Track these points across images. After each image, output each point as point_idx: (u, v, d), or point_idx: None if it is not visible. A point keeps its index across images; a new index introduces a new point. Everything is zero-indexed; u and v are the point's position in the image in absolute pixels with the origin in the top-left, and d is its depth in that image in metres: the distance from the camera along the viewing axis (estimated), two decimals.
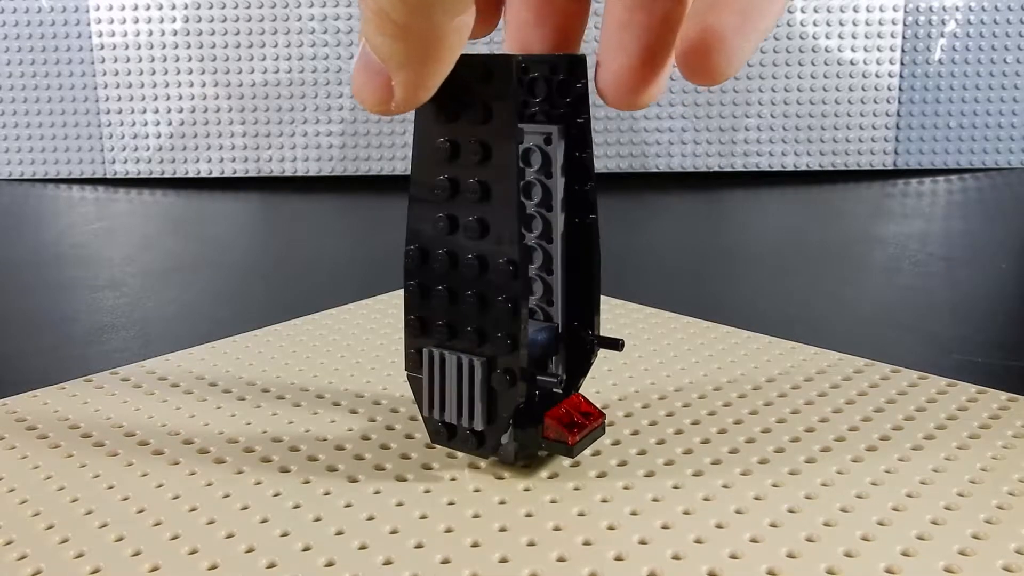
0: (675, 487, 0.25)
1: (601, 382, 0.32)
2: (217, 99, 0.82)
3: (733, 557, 0.21)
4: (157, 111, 0.82)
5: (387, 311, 0.41)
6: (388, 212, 0.74)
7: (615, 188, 0.78)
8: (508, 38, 0.23)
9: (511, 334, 0.23)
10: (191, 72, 0.81)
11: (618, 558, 0.21)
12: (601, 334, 0.26)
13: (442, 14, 0.17)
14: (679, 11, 0.20)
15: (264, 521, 0.23)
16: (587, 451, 0.27)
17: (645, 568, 0.21)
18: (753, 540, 0.22)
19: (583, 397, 0.26)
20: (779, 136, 0.82)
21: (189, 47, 0.81)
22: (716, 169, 0.83)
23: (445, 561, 0.21)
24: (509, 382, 0.23)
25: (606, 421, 0.26)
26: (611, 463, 0.26)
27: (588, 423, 0.25)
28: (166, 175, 0.83)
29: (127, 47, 0.81)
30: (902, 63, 0.82)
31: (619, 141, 0.82)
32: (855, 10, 0.80)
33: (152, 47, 0.81)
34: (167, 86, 0.82)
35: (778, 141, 0.82)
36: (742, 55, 0.19)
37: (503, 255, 0.23)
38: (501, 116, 0.22)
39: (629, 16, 0.20)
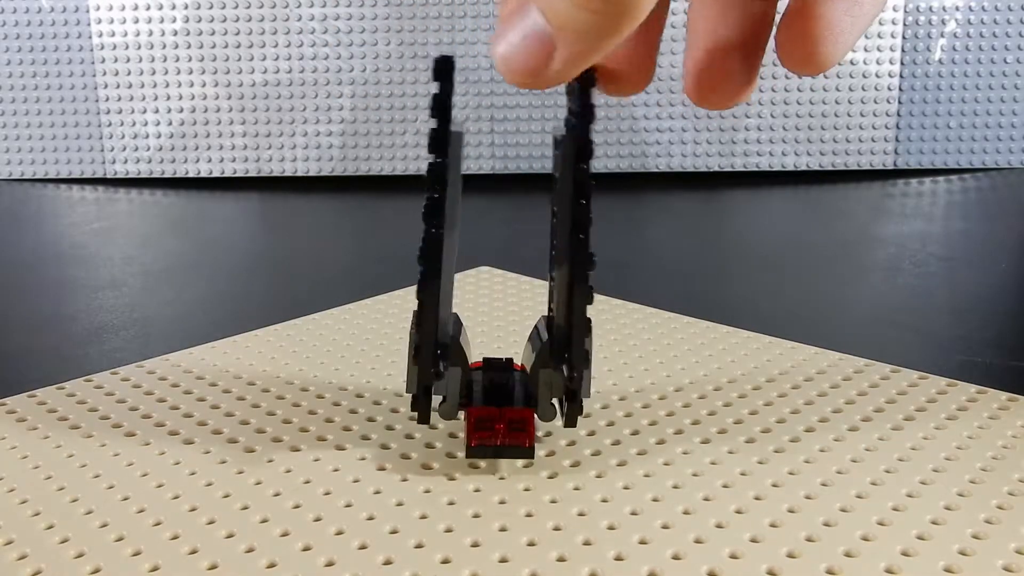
0: (675, 487, 0.25)
1: (601, 382, 0.32)
2: (217, 99, 0.82)
3: (733, 557, 0.21)
4: (157, 111, 0.82)
5: (387, 311, 0.41)
6: (388, 212, 0.74)
7: (615, 188, 0.78)
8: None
9: (417, 313, 0.24)
10: (191, 72, 0.81)
11: (618, 558, 0.21)
12: (575, 372, 0.24)
13: None
14: (771, 9, 0.20)
15: (264, 521, 0.23)
16: (587, 450, 0.27)
17: (645, 568, 0.21)
18: (753, 540, 0.22)
19: (533, 416, 0.26)
20: (779, 136, 0.82)
21: (189, 47, 0.81)
22: (716, 169, 0.83)
23: (445, 561, 0.21)
24: (413, 358, 0.25)
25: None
26: (611, 463, 0.26)
27: (504, 437, 0.25)
28: (166, 175, 0.83)
29: (127, 47, 0.81)
30: (902, 63, 0.82)
31: (619, 141, 0.82)
32: None
33: (152, 47, 0.81)
34: (167, 86, 0.82)
35: (778, 141, 0.82)
36: (847, 44, 0.18)
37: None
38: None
39: (725, 15, 0.20)
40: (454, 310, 0.26)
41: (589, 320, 0.24)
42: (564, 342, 0.25)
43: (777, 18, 0.20)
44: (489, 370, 0.27)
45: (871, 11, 0.19)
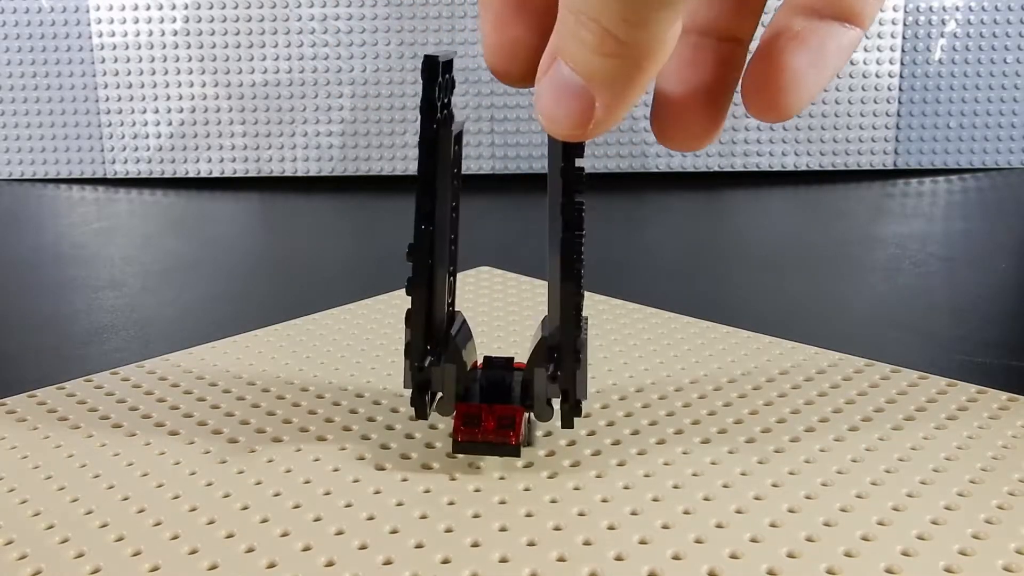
0: (675, 487, 0.25)
1: (601, 382, 0.32)
2: (217, 99, 0.82)
3: (733, 557, 0.21)
4: (157, 111, 0.82)
5: (387, 311, 0.41)
6: (388, 212, 0.74)
7: (615, 188, 0.78)
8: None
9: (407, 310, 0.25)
10: (191, 72, 0.81)
11: (618, 558, 0.21)
12: (561, 371, 0.24)
13: (663, 23, 0.16)
14: (742, 53, 0.20)
15: (264, 521, 0.23)
16: (587, 450, 0.27)
17: (645, 568, 0.21)
18: (753, 540, 0.22)
19: (525, 417, 0.26)
20: (779, 136, 0.82)
21: (189, 47, 0.81)
22: (716, 169, 0.83)
23: (445, 561, 0.21)
24: (405, 353, 0.25)
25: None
26: (611, 463, 0.26)
27: (489, 434, 0.25)
28: (166, 175, 0.83)
29: (127, 47, 0.81)
30: (902, 63, 0.82)
31: (619, 141, 0.82)
32: None
33: (152, 47, 0.81)
34: (167, 86, 0.82)
35: (778, 141, 0.82)
36: (811, 94, 0.18)
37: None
38: None
39: (694, 55, 0.19)
40: (459, 309, 0.26)
41: (579, 318, 0.24)
42: (556, 341, 0.25)
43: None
44: (487, 368, 0.27)
45: (835, 63, 0.19)
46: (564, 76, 0.17)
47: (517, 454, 0.26)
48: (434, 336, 0.25)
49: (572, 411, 0.25)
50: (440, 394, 0.26)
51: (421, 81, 0.24)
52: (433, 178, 0.24)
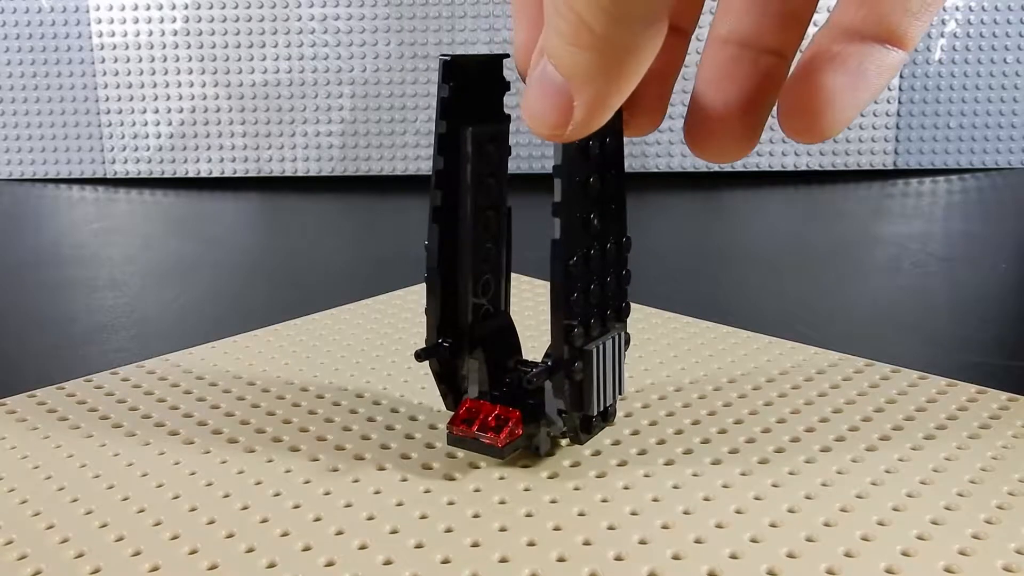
0: (675, 487, 0.25)
1: None
2: (217, 99, 0.82)
3: (733, 557, 0.21)
4: (157, 111, 0.82)
5: (387, 311, 0.41)
6: (388, 212, 0.74)
7: None
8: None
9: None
10: (191, 72, 0.81)
11: (618, 558, 0.21)
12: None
13: (642, 21, 0.16)
14: (784, 67, 0.19)
15: (264, 521, 0.23)
16: (587, 450, 0.27)
17: (645, 568, 0.21)
18: (753, 540, 0.22)
19: (517, 418, 0.25)
20: (779, 136, 0.82)
21: (189, 47, 0.81)
22: (716, 169, 0.83)
23: (445, 561, 0.21)
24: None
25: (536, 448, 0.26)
26: (611, 463, 0.26)
27: (478, 433, 0.25)
28: (166, 175, 0.83)
29: (127, 47, 0.81)
30: None
31: None
32: None
33: (152, 47, 0.81)
34: (167, 86, 0.82)
35: (778, 141, 0.82)
36: (849, 116, 0.18)
37: None
38: None
39: (734, 67, 0.19)
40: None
41: (571, 326, 0.23)
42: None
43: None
44: (516, 371, 0.27)
45: (876, 85, 0.18)
46: (547, 73, 0.17)
47: (500, 456, 0.25)
48: (458, 331, 0.26)
49: (578, 427, 0.25)
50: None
51: (443, 83, 0.25)
52: (443, 175, 0.25)
